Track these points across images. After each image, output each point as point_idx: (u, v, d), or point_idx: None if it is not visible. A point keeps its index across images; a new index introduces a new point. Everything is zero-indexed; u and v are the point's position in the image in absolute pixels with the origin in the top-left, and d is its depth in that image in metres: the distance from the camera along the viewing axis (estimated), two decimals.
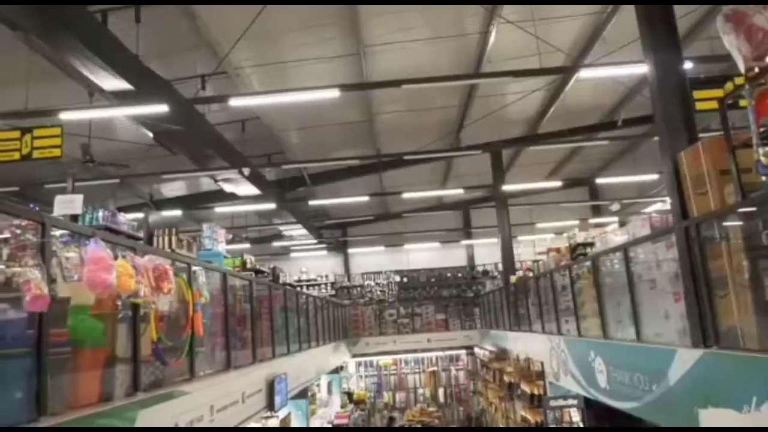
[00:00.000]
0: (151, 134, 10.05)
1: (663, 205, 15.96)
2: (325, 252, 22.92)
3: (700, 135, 5.20)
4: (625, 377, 6.03)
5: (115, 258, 3.37)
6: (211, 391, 4.99)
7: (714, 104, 5.77)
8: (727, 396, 4.07)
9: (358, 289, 22.31)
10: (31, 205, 5.97)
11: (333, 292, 21.66)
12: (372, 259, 22.74)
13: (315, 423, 11.92)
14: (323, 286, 22.02)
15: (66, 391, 3.05)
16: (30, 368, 2.67)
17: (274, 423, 10.43)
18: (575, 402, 9.60)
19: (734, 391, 3.98)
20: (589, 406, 10.02)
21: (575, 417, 9.58)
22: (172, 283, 4.08)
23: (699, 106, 6.12)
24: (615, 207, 18.79)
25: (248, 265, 10.40)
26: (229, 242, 11.24)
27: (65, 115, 8.12)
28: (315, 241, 20.73)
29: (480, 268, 22.27)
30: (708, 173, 4.37)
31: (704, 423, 4.46)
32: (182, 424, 4.25)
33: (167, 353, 4.30)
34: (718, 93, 5.82)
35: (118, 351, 3.56)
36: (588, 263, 7.61)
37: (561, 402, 9.61)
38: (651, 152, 13.43)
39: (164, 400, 3.98)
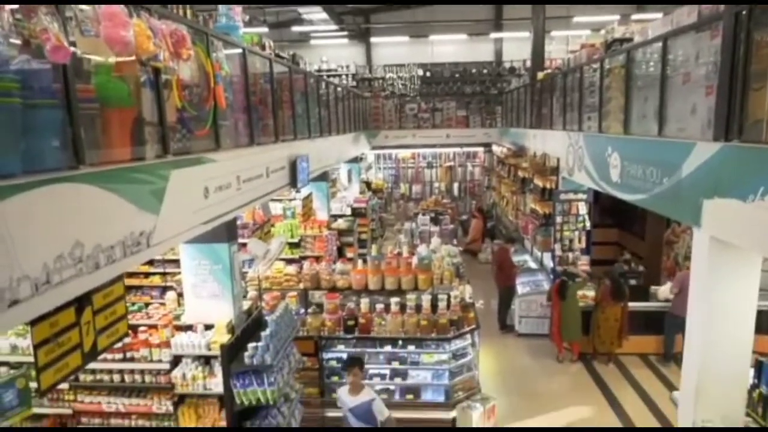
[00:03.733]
0: None
1: None
2: (346, 41, 21.96)
3: None
4: (638, 171, 6.16)
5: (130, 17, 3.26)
6: (236, 162, 5.24)
7: None
8: (735, 187, 4.18)
9: (380, 81, 21.88)
10: None
11: (354, 84, 21.32)
12: (395, 51, 21.87)
13: (335, 205, 12.75)
14: (344, 77, 21.59)
15: (100, 147, 3.21)
16: (62, 119, 2.77)
17: (297, 204, 11.20)
18: (584, 196, 10.02)
19: (743, 182, 4.06)
20: (596, 202, 10.51)
21: (582, 210, 10.09)
22: (191, 50, 4.01)
23: None
24: None
25: (267, 49, 10.08)
26: (246, 24, 10.71)
27: None
28: (336, 27, 19.71)
29: (507, 65, 21.40)
30: None
31: (706, 212, 4.67)
32: (212, 189, 4.56)
33: (192, 122, 4.42)
34: None
35: (145, 114, 3.65)
36: (621, 56, 7.25)
37: (571, 196, 10.03)
38: None
39: (193, 164, 4.20)
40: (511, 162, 15.14)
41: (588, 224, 10.20)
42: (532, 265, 12.31)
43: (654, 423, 7.47)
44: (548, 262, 11.11)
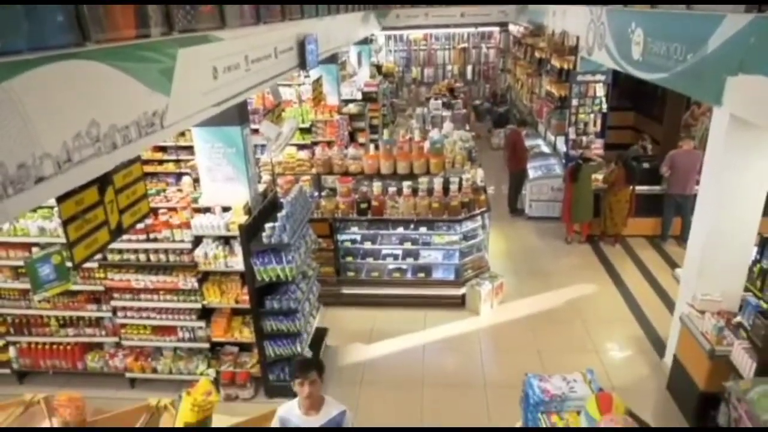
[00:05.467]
0: None
1: None
2: None
3: None
4: (662, 48, 5.90)
5: None
6: (243, 41, 5.07)
7: None
8: (762, 63, 4.01)
9: None
10: None
11: None
12: None
13: (345, 89, 12.48)
14: None
15: (103, 23, 3.10)
16: None
17: (307, 89, 10.97)
18: (603, 77, 9.68)
19: None
20: (615, 85, 10.16)
21: (599, 92, 9.80)
22: None
23: None
24: None
25: None
26: None
27: None
28: None
29: None
30: None
31: (728, 90, 4.52)
32: (220, 70, 4.46)
33: None
34: None
35: None
36: None
37: (589, 77, 9.70)
38: None
39: (200, 42, 4.08)
40: (528, 42, 14.50)
41: (605, 107, 9.96)
42: (545, 149, 12.23)
43: (655, 298, 7.82)
44: (561, 147, 11.02)
